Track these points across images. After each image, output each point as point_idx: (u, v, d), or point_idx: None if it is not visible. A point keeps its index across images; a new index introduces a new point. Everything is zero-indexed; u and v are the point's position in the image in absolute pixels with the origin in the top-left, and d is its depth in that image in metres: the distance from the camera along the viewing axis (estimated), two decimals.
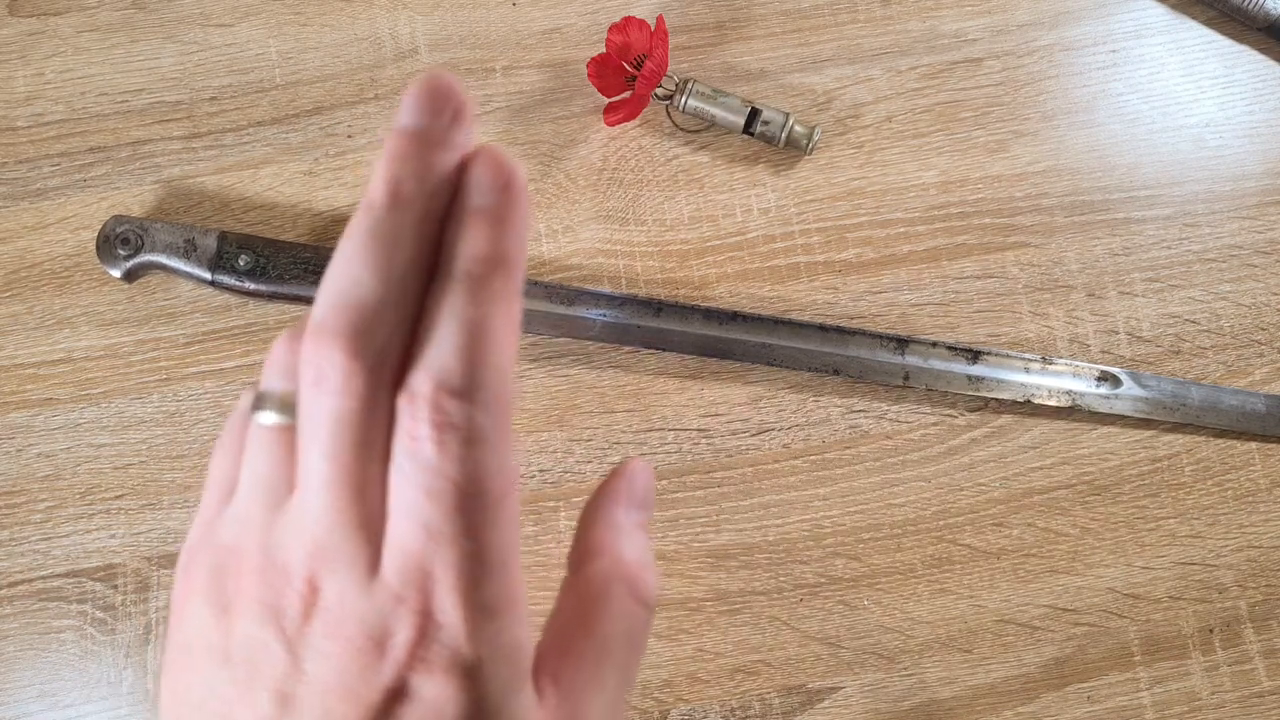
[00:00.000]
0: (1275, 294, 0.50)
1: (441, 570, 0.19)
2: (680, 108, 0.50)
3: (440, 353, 0.19)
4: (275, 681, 0.20)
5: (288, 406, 0.22)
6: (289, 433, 0.22)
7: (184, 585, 0.23)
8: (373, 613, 0.20)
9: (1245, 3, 0.51)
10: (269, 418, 0.22)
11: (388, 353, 0.20)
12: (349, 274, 0.20)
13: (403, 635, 0.19)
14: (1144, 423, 0.49)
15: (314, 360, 0.20)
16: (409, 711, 0.19)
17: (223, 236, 0.47)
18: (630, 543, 0.24)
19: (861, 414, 0.49)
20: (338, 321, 0.20)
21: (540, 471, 0.48)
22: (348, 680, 0.19)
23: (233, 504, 0.23)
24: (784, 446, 0.48)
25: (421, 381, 0.19)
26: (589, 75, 0.49)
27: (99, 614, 0.46)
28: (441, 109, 0.20)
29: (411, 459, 0.19)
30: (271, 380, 0.22)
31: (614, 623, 0.23)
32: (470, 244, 0.20)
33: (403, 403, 0.20)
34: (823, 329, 0.48)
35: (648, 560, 0.24)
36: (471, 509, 0.19)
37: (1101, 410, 0.48)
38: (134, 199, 0.50)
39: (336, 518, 0.20)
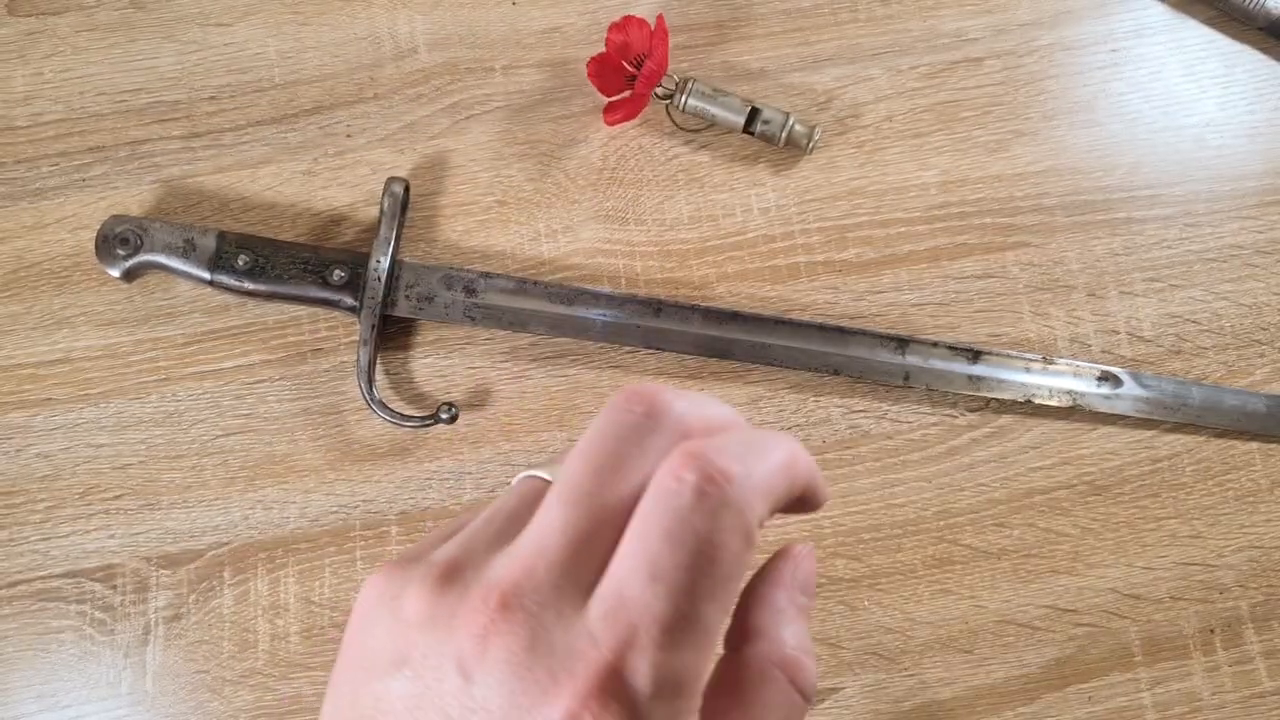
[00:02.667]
0: (1276, 294, 0.50)
1: (647, 624, 0.19)
2: (680, 107, 0.50)
3: (734, 436, 0.20)
4: (443, 701, 0.19)
5: (556, 473, 0.22)
6: (546, 487, 0.22)
7: (372, 592, 0.22)
8: (562, 647, 0.19)
9: (1246, 2, 0.51)
10: (535, 474, 0.23)
11: (676, 427, 0.21)
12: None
13: (583, 679, 0.18)
14: (1145, 423, 0.48)
15: (613, 399, 0.21)
16: None
17: (221, 236, 0.47)
18: (792, 628, 0.23)
19: (862, 414, 0.49)
20: (637, 392, 0.21)
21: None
22: (513, 713, 0.19)
23: (461, 531, 0.23)
24: None
25: (702, 444, 0.20)
26: (589, 74, 0.49)
27: (98, 614, 0.46)
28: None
29: (664, 496, 0.19)
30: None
31: (771, 709, 0.22)
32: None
33: (676, 451, 0.20)
34: (823, 329, 0.47)
35: (808, 648, 0.23)
36: (701, 571, 0.19)
37: (1102, 410, 0.48)
38: (133, 199, 0.50)
39: (566, 525, 0.20)
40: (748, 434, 0.21)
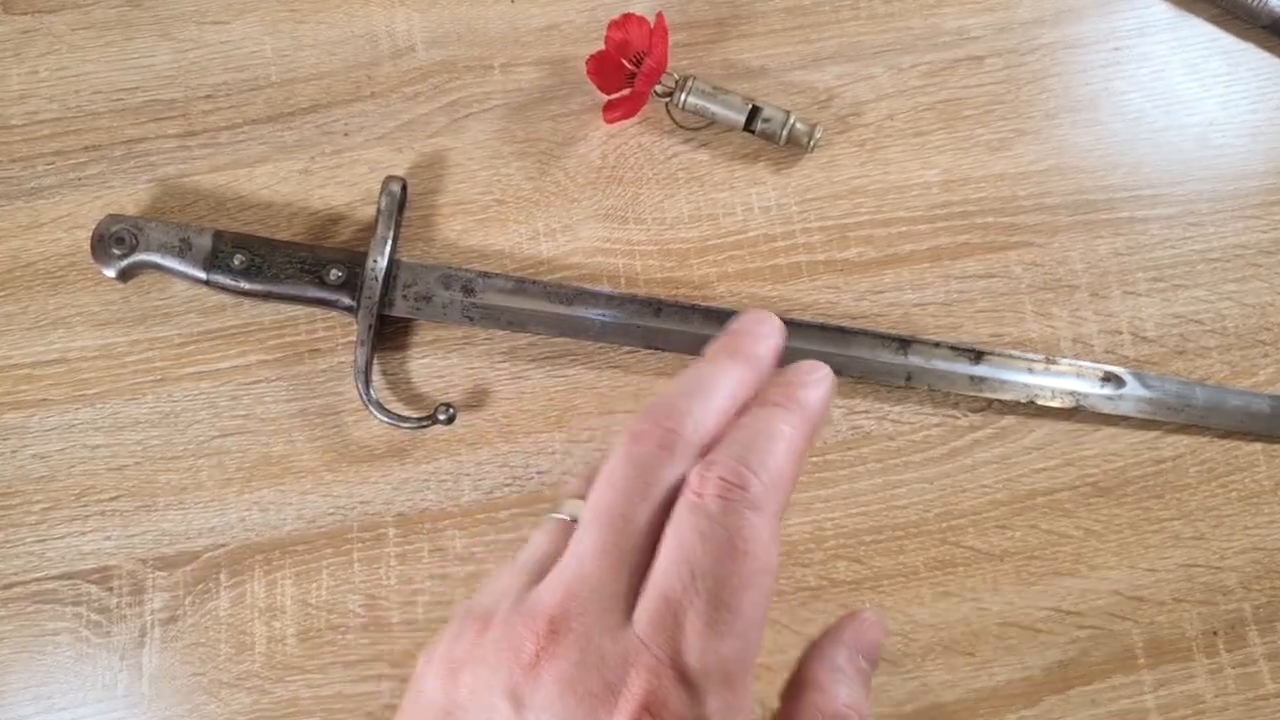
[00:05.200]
0: None
1: (693, 616, 0.19)
2: (680, 105, 0.49)
3: (738, 439, 0.22)
4: None
5: (578, 511, 0.23)
6: (573, 526, 0.23)
7: (423, 657, 0.23)
8: (613, 657, 0.19)
9: (1249, 0, 0.51)
10: (559, 515, 0.24)
11: (688, 447, 0.22)
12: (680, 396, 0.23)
13: (639, 683, 0.19)
14: (1148, 424, 0.48)
15: (628, 429, 0.23)
16: None
17: (218, 236, 0.46)
18: (847, 687, 0.24)
19: (863, 415, 0.48)
20: (656, 412, 0.23)
21: (539, 473, 0.47)
22: (567, 709, 0.19)
23: (497, 577, 0.23)
24: None
25: (718, 456, 0.21)
26: (588, 72, 0.49)
27: (94, 616, 0.46)
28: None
29: (692, 510, 0.21)
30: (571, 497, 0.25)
31: None
32: (779, 386, 0.24)
33: (694, 472, 0.21)
34: (824, 329, 0.47)
35: (863, 710, 0.24)
36: (736, 563, 0.20)
37: (1105, 411, 0.47)
38: (128, 198, 0.49)
39: (603, 547, 0.21)
40: (753, 430, 0.22)
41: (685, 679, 0.19)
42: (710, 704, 0.19)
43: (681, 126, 0.51)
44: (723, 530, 0.20)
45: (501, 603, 0.22)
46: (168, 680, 0.46)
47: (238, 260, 0.46)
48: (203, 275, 0.46)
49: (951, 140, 0.51)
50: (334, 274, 0.46)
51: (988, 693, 0.46)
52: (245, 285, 0.46)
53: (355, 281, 0.46)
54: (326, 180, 0.50)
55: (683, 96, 0.49)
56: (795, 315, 0.48)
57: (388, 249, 0.46)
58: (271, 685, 0.45)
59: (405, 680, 0.45)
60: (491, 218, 0.50)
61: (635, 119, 0.51)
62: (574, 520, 0.23)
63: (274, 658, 0.46)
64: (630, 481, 0.21)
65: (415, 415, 0.47)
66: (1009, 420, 0.48)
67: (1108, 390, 0.47)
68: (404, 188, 0.48)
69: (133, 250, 0.46)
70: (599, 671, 0.19)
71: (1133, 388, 0.47)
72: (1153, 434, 0.48)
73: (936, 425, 0.48)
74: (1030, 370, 0.47)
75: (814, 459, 0.48)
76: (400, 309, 0.47)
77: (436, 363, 0.49)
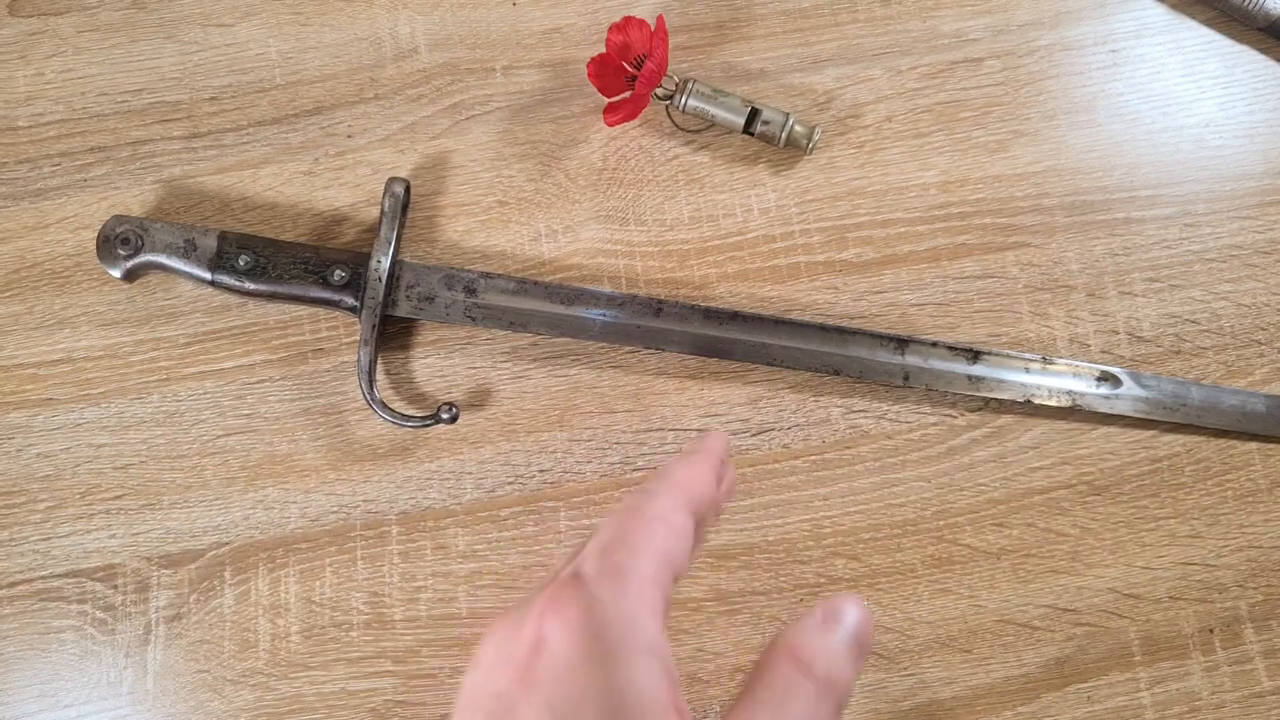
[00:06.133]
0: (1275, 294, 0.50)
1: (590, 554, 0.25)
2: (680, 107, 0.50)
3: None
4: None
5: None
6: None
7: None
8: (535, 594, 0.25)
9: (1245, 2, 0.51)
10: None
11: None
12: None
13: (546, 592, 0.24)
14: (1144, 423, 0.48)
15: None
16: (546, 652, 0.23)
17: (223, 236, 0.47)
18: (806, 631, 0.26)
19: (861, 414, 0.49)
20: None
21: (540, 471, 0.48)
22: (500, 648, 0.24)
23: None
24: (784, 446, 0.48)
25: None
26: (589, 75, 0.49)
27: (99, 614, 0.46)
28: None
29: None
30: None
31: (767, 687, 0.25)
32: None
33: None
34: (823, 329, 0.47)
35: (826, 645, 0.26)
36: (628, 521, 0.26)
37: (1102, 410, 0.48)
38: (134, 199, 0.50)
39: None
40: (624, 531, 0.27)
41: (579, 581, 0.24)
42: (596, 588, 0.24)
43: (682, 129, 0.51)
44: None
45: None
46: (172, 677, 0.46)
47: (242, 261, 0.46)
48: (208, 276, 0.46)
49: (949, 142, 0.51)
50: (338, 274, 0.46)
51: (985, 689, 0.46)
52: (250, 286, 0.46)
53: (359, 282, 0.46)
54: (330, 182, 0.50)
55: (683, 99, 0.49)
56: (794, 315, 0.49)
57: (391, 250, 0.46)
58: (275, 682, 0.46)
59: (407, 676, 0.46)
60: (493, 219, 0.50)
61: (636, 121, 0.51)
62: None
63: (278, 655, 0.46)
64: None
65: (418, 414, 0.48)
66: (1006, 419, 0.49)
67: (1104, 390, 0.48)
68: (407, 189, 0.48)
69: (138, 251, 0.46)
70: (524, 603, 0.25)
71: (1129, 387, 0.48)
72: (1149, 433, 0.49)
73: (934, 424, 0.49)
74: (1027, 370, 0.48)
75: (812, 457, 0.48)
76: (403, 309, 0.47)
77: (439, 362, 0.49)
